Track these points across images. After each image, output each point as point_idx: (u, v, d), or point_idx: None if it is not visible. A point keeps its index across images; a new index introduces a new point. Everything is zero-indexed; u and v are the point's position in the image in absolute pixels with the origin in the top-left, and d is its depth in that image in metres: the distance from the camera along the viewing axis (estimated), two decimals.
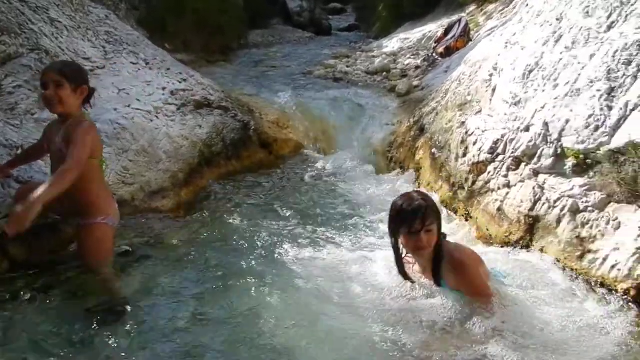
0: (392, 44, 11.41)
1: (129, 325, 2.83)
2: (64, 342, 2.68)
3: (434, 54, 9.06)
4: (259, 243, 3.85)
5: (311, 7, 18.26)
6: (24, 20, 5.14)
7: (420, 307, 2.77)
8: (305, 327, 2.81)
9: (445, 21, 11.04)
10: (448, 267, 2.70)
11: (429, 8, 12.39)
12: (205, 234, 4.05)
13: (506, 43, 4.55)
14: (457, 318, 2.66)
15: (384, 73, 9.07)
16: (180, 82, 6.12)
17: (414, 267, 2.93)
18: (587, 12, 3.87)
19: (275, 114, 6.81)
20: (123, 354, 2.60)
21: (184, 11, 10.70)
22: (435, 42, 9.36)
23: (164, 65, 6.34)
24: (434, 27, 11.04)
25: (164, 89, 5.81)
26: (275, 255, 3.68)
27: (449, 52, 8.63)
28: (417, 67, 8.97)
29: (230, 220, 4.31)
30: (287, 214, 4.50)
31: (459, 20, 8.92)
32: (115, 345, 2.65)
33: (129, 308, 2.99)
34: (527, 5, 5.37)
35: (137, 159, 4.75)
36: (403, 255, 2.88)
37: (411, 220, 2.58)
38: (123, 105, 5.17)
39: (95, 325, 2.81)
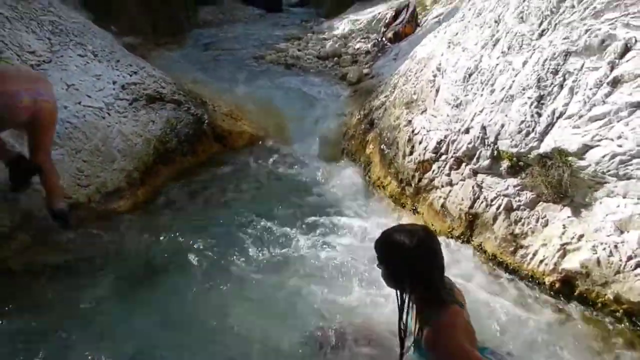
0: (342, 25, 11.51)
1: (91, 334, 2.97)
2: None
3: (384, 39, 9.25)
4: (215, 248, 3.98)
5: None
6: None
7: None
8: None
9: (395, 2, 11.23)
10: (428, 335, 2.02)
11: None
12: (162, 237, 4.14)
13: (449, 43, 4.78)
14: None
15: (335, 58, 9.21)
16: (130, 75, 6.03)
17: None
18: (522, 18, 4.13)
19: (228, 105, 6.84)
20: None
21: None
22: (384, 27, 9.54)
23: (113, 57, 6.21)
24: (383, 9, 11.21)
25: (114, 83, 5.73)
26: (230, 256, 3.86)
27: (397, 37, 8.85)
28: (367, 52, 9.15)
29: (187, 221, 4.42)
30: (243, 211, 4.63)
31: (407, 6, 9.11)
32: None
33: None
34: (470, 1, 5.62)
35: (91, 159, 4.73)
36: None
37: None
38: (73, 103, 5.09)
39: None
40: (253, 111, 6.94)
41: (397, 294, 2.10)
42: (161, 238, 4.16)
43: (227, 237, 4.16)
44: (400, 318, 2.10)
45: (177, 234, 4.21)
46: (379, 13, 10.90)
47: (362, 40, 9.96)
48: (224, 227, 4.34)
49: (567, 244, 3.15)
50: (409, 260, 2.00)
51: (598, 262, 2.95)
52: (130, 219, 4.46)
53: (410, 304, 2.11)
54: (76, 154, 4.64)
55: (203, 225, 4.39)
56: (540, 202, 3.45)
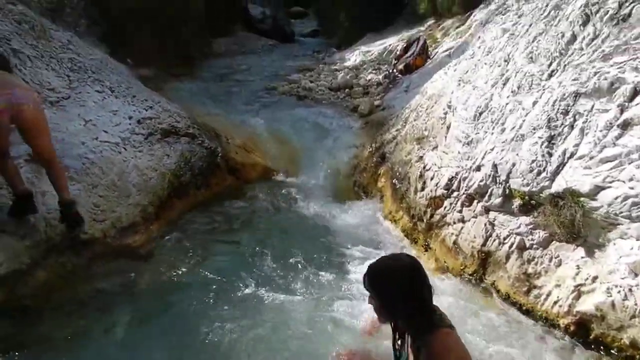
0: (354, 56, 11.70)
1: None
2: None
3: (395, 71, 9.38)
4: (228, 282, 4.01)
5: (274, 14, 18.34)
6: None
7: None
8: None
9: (405, 34, 11.42)
10: None
11: (389, 20, 12.72)
12: (176, 272, 4.19)
13: (459, 80, 4.85)
14: None
15: (347, 89, 9.33)
16: (146, 110, 6.18)
17: None
18: (531, 58, 4.20)
19: (241, 137, 6.96)
20: None
21: (145, 25, 10.63)
22: (395, 59, 9.68)
23: (129, 92, 6.38)
24: (394, 41, 11.39)
25: (130, 117, 5.87)
26: (242, 289, 3.89)
27: (408, 69, 8.96)
28: (378, 84, 9.27)
29: (201, 257, 4.46)
30: (256, 246, 4.67)
31: (418, 39, 9.26)
32: None
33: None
34: (479, 38, 5.72)
35: (107, 194, 4.81)
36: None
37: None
38: (91, 138, 5.21)
39: None
40: (266, 143, 7.05)
41: (392, 327, 2.11)
42: (175, 273, 4.20)
43: (241, 271, 4.19)
44: (395, 348, 2.12)
45: (190, 269, 4.26)
46: (390, 45, 11.08)
47: (374, 71, 10.10)
48: (237, 261, 4.38)
49: (581, 285, 3.13)
50: (400, 284, 2.01)
51: (613, 305, 2.93)
52: (144, 254, 4.51)
53: (406, 336, 2.12)
54: (93, 189, 4.73)
55: (216, 260, 4.43)
56: (553, 242, 3.45)
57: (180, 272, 4.24)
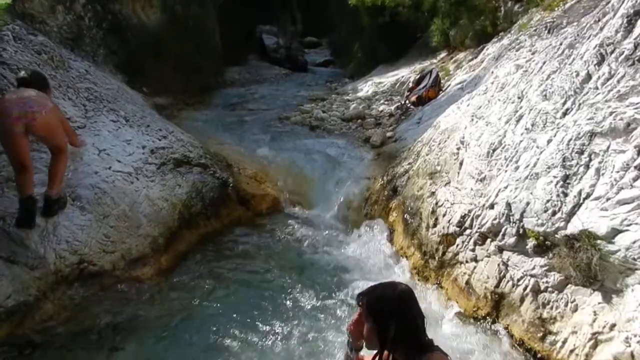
0: (366, 87, 11.76)
1: None
2: None
3: (407, 102, 9.40)
4: (238, 317, 3.97)
5: (287, 44, 18.63)
6: (5, 85, 5.21)
7: None
8: None
9: (418, 66, 11.48)
10: None
11: (401, 52, 12.84)
12: (185, 307, 4.15)
13: (472, 116, 4.83)
14: None
15: (359, 120, 9.35)
16: (160, 140, 6.23)
17: None
18: (545, 96, 4.17)
19: (253, 167, 6.97)
20: None
21: (162, 55, 10.83)
22: (408, 91, 9.71)
23: (144, 122, 6.45)
24: (406, 72, 11.45)
25: (144, 147, 5.91)
26: (252, 325, 3.84)
27: (421, 101, 8.98)
28: (390, 115, 9.28)
29: (210, 291, 4.44)
30: (266, 281, 4.65)
31: (430, 72, 9.29)
32: None
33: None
34: (492, 74, 5.71)
35: (117, 224, 4.81)
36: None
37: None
38: (103, 168, 5.25)
39: None
40: (277, 173, 7.04)
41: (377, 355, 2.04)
42: (183, 307, 4.16)
43: (250, 305, 4.16)
44: None
45: (199, 303, 4.22)
46: (402, 76, 11.14)
47: (386, 102, 10.13)
48: (247, 294, 4.35)
49: (598, 333, 3.03)
50: (395, 307, 2.01)
51: (632, 356, 2.82)
52: (153, 287, 4.47)
53: None
54: (104, 219, 4.73)
55: (226, 294, 4.40)
56: (569, 285, 3.35)
57: (188, 307, 4.20)
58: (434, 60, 11.21)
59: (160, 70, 10.82)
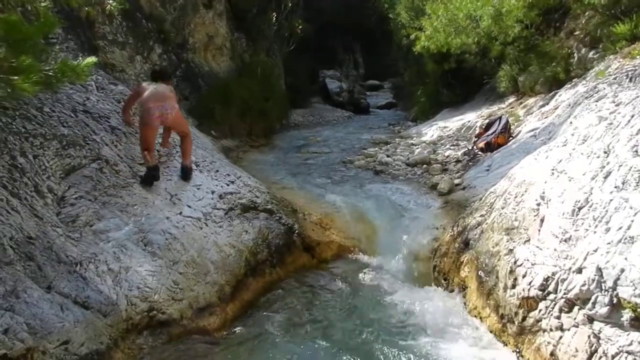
0: (431, 131, 11.60)
1: None
2: None
3: (475, 148, 9.15)
4: None
5: (350, 88, 18.88)
6: (88, 132, 5.49)
7: None
8: None
9: (485, 111, 11.23)
10: None
11: (467, 96, 12.64)
12: None
13: (552, 170, 4.57)
14: None
15: (424, 165, 9.17)
16: (228, 185, 6.33)
17: None
18: (637, 151, 3.88)
19: (317, 212, 6.92)
20: None
21: (230, 99, 11.23)
22: (475, 137, 9.48)
23: (213, 167, 6.60)
24: (473, 117, 11.22)
25: (212, 192, 6.02)
26: None
27: (489, 147, 8.72)
28: (457, 161, 9.05)
29: (276, 343, 4.33)
30: (332, 333, 4.49)
31: (500, 117, 9.05)
32: None
33: None
34: (571, 124, 5.43)
35: (186, 270, 4.83)
36: None
37: None
38: (175, 213, 5.35)
39: None
40: (342, 220, 6.95)
41: None
42: None
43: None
44: None
45: (266, 356, 4.11)
46: (469, 121, 10.91)
47: (452, 147, 9.92)
48: (314, 347, 4.21)
49: None
50: None
51: None
52: (219, 338, 4.42)
53: None
54: (173, 265, 4.77)
55: (292, 348, 4.28)
56: None
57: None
58: (502, 105, 10.94)
59: (228, 114, 11.24)
